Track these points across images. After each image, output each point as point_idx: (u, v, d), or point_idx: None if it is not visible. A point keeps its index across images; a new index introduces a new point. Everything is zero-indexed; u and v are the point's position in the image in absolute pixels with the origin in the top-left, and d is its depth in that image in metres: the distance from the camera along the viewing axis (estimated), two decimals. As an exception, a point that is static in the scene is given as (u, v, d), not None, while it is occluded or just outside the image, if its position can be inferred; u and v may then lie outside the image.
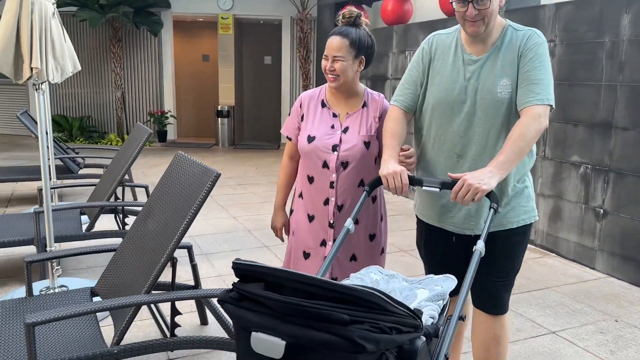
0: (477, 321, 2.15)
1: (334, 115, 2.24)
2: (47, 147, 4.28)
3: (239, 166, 8.44)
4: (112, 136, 10.46)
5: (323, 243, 2.27)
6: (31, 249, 4.33)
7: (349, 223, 1.86)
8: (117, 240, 4.38)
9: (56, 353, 2.12)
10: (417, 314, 1.23)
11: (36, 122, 6.21)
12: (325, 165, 2.21)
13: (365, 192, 1.96)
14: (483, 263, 2.00)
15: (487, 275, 2.04)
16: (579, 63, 4.17)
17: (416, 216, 2.25)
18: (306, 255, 2.32)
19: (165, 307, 3.19)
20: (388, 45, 6.68)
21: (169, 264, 2.39)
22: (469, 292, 1.50)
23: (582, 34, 4.15)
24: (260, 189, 6.73)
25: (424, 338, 1.26)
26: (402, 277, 1.68)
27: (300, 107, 2.31)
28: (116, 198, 4.58)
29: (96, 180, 5.22)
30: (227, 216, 5.41)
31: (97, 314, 2.50)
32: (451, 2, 1.87)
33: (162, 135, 10.54)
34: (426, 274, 2.18)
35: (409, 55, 6.28)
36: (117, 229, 4.26)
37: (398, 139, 2.01)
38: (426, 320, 1.46)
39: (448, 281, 1.64)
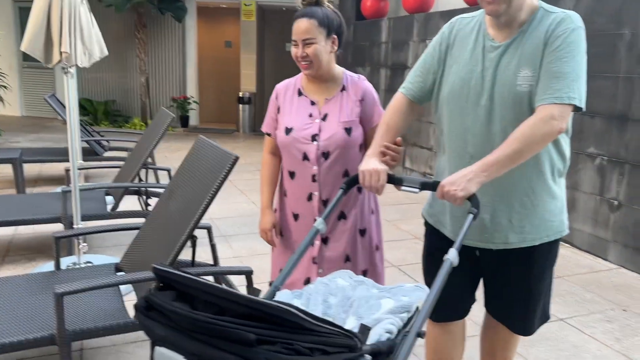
0: (489, 322, 2.04)
1: (312, 104, 2.09)
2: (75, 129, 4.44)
3: (259, 152, 8.57)
4: (136, 120, 10.67)
5: (311, 242, 2.17)
6: (58, 227, 4.51)
7: (319, 223, 1.70)
8: (140, 220, 4.53)
9: (83, 322, 2.26)
10: (351, 332, 1.12)
11: (63, 105, 6.41)
12: (305, 157, 2.06)
13: (341, 189, 1.79)
14: (499, 283, 1.86)
15: (506, 297, 1.88)
16: (597, 55, 4.17)
17: (423, 217, 2.03)
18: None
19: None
20: (409, 34, 6.70)
21: (189, 242, 2.51)
22: (433, 304, 1.33)
23: (601, 25, 4.14)
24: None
25: (368, 357, 1.17)
26: (372, 284, 1.56)
27: (276, 99, 2.18)
28: (139, 180, 4.73)
29: (120, 163, 5.39)
30: (245, 200, 5.55)
31: (121, 288, 2.64)
32: None
33: (184, 121, 10.72)
34: (425, 280, 2.03)
35: (429, 43, 6.29)
36: (140, 209, 4.41)
37: (392, 133, 1.83)
38: (381, 335, 1.33)
39: (417, 291, 1.52)
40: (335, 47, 2.05)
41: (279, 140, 2.12)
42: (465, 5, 6.01)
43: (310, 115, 2.07)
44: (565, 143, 1.76)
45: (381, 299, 1.51)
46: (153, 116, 11.01)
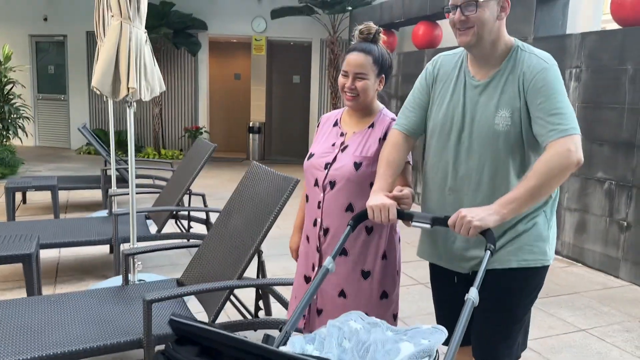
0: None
1: (341, 134, 2.11)
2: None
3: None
4: (149, 150, 10.97)
5: (312, 267, 2.13)
6: (101, 249, 4.75)
7: (328, 262, 1.64)
8: (182, 241, 4.80)
9: (160, 329, 2.51)
10: None
11: (93, 135, 6.71)
12: (316, 183, 2.08)
13: (349, 226, 1.76)
14: (478, 307, 1.68)
15: (483, 322, 1.81)
16: (603, 88, 4.54)
17: (423, 258, 2.06)
18: (307, 280, 2.17)
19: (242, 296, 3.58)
20: (419, 68, 7.09)
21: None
22: (458, 349, 1.29)
23: (606, 61, 4.53)
24: (298, 200, 7.15)
25: None
26: (387, 326, 1.51)
27: (318, 127, 2.25)
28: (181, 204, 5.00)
29: (151, 189, 5.67)
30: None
31: (186, 300, 2.90)
32: (444, 10, 1.78)
33: (195, 150, 11.03)
34: (437, 321, 2.02)
35: (440, 77, 6.68)
36: (178, 231, 4.65)
37: (393, 168, 1.86)
38: None
39: (436, 334, 1.46)
40: (382, 87, 2.08)
41: (304, 163, 2.16)
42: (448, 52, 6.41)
43: (333, 145, 2.08)
44: None
45: (399, 342, 1.44)
46: (166, 145, 11.34)
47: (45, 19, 11.32)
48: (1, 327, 2.45)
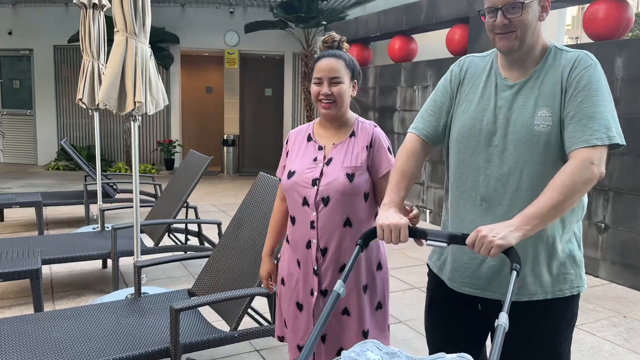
0: None
1: (319, 148, 2.00)
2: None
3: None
4: (120, 164, 10.81)
5: (311, 292, 2.00)
6: (89, 265, 4.70)
7: (339, 286, 1.51)
8: (191, 253, 4.80)
9: (186, 337, 2.55)
10: None
11: (74, 151, 6.62)
12: (305, 202, 1.94)
13: (358, 246, 1.61)
14: (512, 345, 1.56)
15: (510, 357, 1.60)
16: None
17: (427, 266, 1.91)
18: (299, 307, 2.05)
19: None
20: (396, 80, 7.31)
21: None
22: None
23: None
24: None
25: None
26: (406, 356, 1.42)
27: (287, 144, 2.12)
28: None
29: (132, 203, 5.64)
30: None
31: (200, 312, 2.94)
32: (479, 13, 1.64)
33: (169, 163, 10.95)
34: (429, 349, 1.86)
35: (417, 89, 6.91)
36: (173, 244, 4.66)
37: (408, 179, 1.70)
38: None
39: None
40: (355, 93, 2.00)
41: (283, 183, 2.03)
42: (450, 55, 6.67)
43: (315, 160, 1.97)
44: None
45: None
46: (140, 160, 11.20)
47: (10, 33, 11.07)
48: (31, 341, 2.44)
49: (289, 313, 2.08)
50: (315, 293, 1.98)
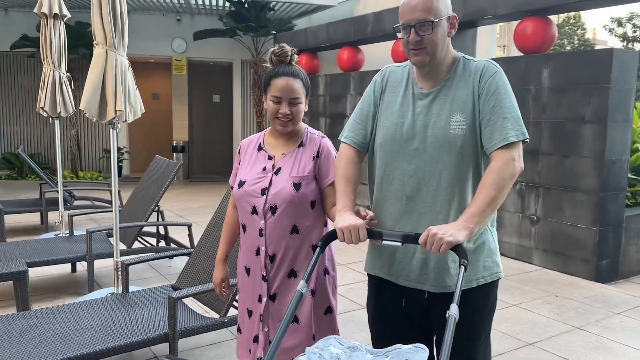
0: None
1: (269, 158, 2.06)
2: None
3: (205, 196, 9.07)
4: (65, 172, 10.65)
5: (259, 299, 2.06)
6: (56, 269, 4.79)
7: (302, 286, 1.58)
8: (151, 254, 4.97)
9: (182, 324, 2.80)
10: None
11: (30, 160, 6.60)
12: (254, 211, 2.01)
13: (318, 247, 1.70)
14: (437, 332, 1.82)
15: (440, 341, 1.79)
16: (511, 105, 5.40)
17: (367, 274, 2.00)
18: (249, 313, 2.12)
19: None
20: (346, 88, 7.75)
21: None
22: None
23: (512, 82, 5.39)
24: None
25: None
26: (366, 349, 1.49)
27: (239, 153, 2.17)
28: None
29: (94, 210, 5.75)
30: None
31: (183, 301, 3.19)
32: (395, 30, 1.77)
33: (117, 170, 10.89)
34: (373, 344, 1.97)
35: (366, 96, 7.36)
36: (142, 246, 4.83)
37: (353, 184, 1.83)
38: None
39: (419, 353, 1.42)
40: (307, 107, 2.08)
41: (234, 192, 2.10)
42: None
43: (264, 169, 2.04)
44: None
45: None
46: (83, 167, 11.08)
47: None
48: (33, 335, 2.63)
49: (242, 319, 2.16)
50: (264, 299, 2.03)
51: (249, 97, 11.40)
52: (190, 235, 4.64)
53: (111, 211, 5.56)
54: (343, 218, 1.70)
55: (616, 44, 24.63)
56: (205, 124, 12.03)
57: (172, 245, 4.97)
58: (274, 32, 9.52)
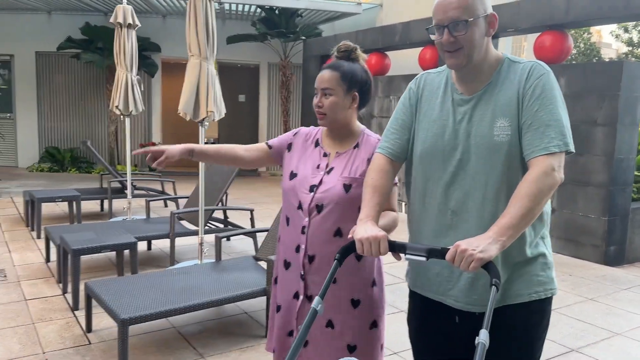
0: None
1: (324, 155, 2.01)
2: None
3: (238, 189, 9.78)
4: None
5: (295, 295, 1.98)
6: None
7: (316, 303, 1.48)
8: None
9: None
10: None
11: (96, 152, 7.31)
12: (300, 206, 1.94)
13: (335, 260, 1.59)
14: (489, 350, 1.53)
15: None
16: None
17: (409, 288, 1.88)
18: (278, 309, 2.06)
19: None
20: (374, 91, 8.43)
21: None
22: None
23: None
24: (276, 207, 8.17)
25: None
26: None
27: (294, 136, 2.12)
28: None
29: (162, 196, 6.46)
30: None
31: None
32: (428, 31, 1.67)
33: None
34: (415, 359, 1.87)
35: (393, 99, 8.06)
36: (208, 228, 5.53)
37: (380, 195, 1.70)
38: None
39: None
40: (355, 104, 1.97)
41: (283, 183, 2.04)
42: (421, 71, 7.86)
43: (318, 167, 1.98)
44: None
45: None
46: (121, 161, 11.80)
47: (-10, 38, 11.41)
48: (166, 288, 3.37)
49: (272, 312, 2.10)
50: (301, 297, 1.96)
51: (277, 97, 12.12)
52: (252, 219, 5.34)
53: (168, 199, 6.29)
54: (364, 228, 1.59)
55: (621, 48, 25.28)
56: (232, 122, 12.74)
57: (231, 227, 5.68)
58: (303, 37, 10.21)
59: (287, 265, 2.02)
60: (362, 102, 2.00)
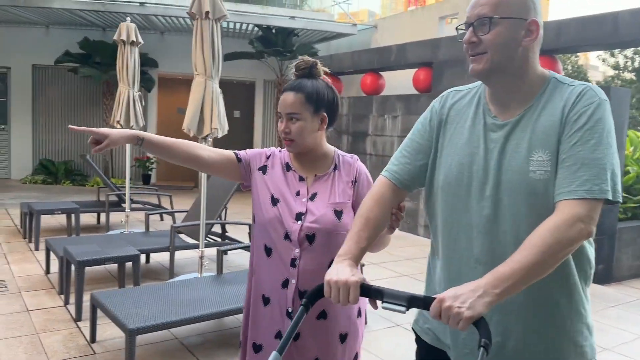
0: None
1: (301, 179, 1.84)
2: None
3: (233, 203, 9.87)
4: (97, 179, 11.42)
5: (278, 335, 1.81)
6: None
7: (274, 358, 1.26)
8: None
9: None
10: None
11: (96, 165, 7.39)
12: (287, 236, 1.76)
13: (301, 306, 1.35)
14: None
15: None
16: None
17: (414, 331, 1.63)
18: (257, 348, 1.86)
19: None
20: (369, 110, 8.62)
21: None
22: None
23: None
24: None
25: None
26: None
27: (268, 158, 1.91)
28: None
29: (158, 210, 6.55)
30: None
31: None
32: (457, 32, 1.44)
33: (146, 178, 11.69)
34: None
35: (388, 118, 8.24)
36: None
37: (371, 228, 1.44)
38: None
39: None
40: (325, 125, 1.83)
41: (262, 209, 1.83)
42: (415, 92, 8.06)
43: (298, 194, 1.81)
44: (590, 244, 1.38)
45: None
46: (115, 175, 11.84)
47: (-14, 51, 11.49)
48: (170, 299, 3.46)
49: (248, 353, 1.90)
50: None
51: (272, 114, 12.28)
52: (250, 233, 5.45)
53: (167, 213, 6.38)
54: (337, 269, 1.34)
55: (608, 71, 25.87)
56: (227, 137, 12.82)
57: (228, 241, 5.78)
58: (300, 56, 10.41)
59: (266, 301, 1.82)
60: (331, 122, 1.86)
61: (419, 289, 1.49)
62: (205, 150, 1.90)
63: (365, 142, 8.68)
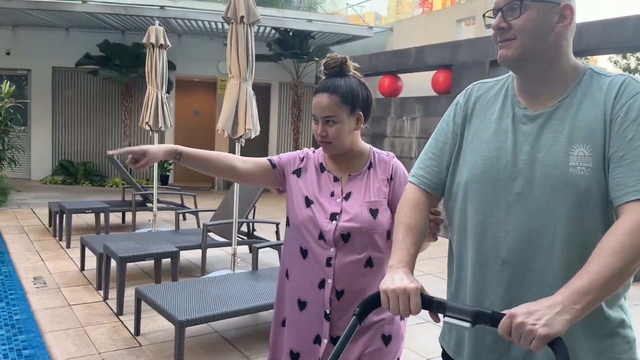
0: None
1: (335, 179, 1.82)
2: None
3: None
4: (116, 180, 11.60)
5: (317, 340, 1.77)
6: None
7: None
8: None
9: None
10: None
11: (123, 166, 7.54)
12: (321, 236, 1.75)
13: (354, 316, 1.27)
14: None
15: None
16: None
17: (442, 349, 1.52)
18: (294, 356, 1.82)
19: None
20: (387, 112, 8.74)
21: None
22: None
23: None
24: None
25: None
26: None
27: (302, 159, 1.91)
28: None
29: (183, 209, 6.68)
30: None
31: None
32: (483, 17, 1.39)
33: (164, 179, 11.85)
34: None
35: (407, 119, 8.35)
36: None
37: (415, 234, 1.38)
38: None
39: None
40: (361, 124, 1.81)
41: (296, 211, 1.82)
42: (434, 94, 8.17)
43: (332, 194, 1.80)
44: None
45: None
46: (133, 175, 12.00)
47: (8, 53, 11.68)
48: (207, 294, 3.59)
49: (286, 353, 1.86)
50: (325, 340, 1.76)
51: (288, 116, 12.42)
52: (277, 232, 5.57)
53: (193, 212, 6.52)
54: (392, 278, 1.27)
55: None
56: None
57: (255, 239, 5.91)
58: (317, 59, 10.55)
59: (302, 305, 1.80)
60: (366, 119, 1.84)
61: (443, 288, 1.48)
62: (240, 160, 1.88)
63: (383, 142, 8.79)
